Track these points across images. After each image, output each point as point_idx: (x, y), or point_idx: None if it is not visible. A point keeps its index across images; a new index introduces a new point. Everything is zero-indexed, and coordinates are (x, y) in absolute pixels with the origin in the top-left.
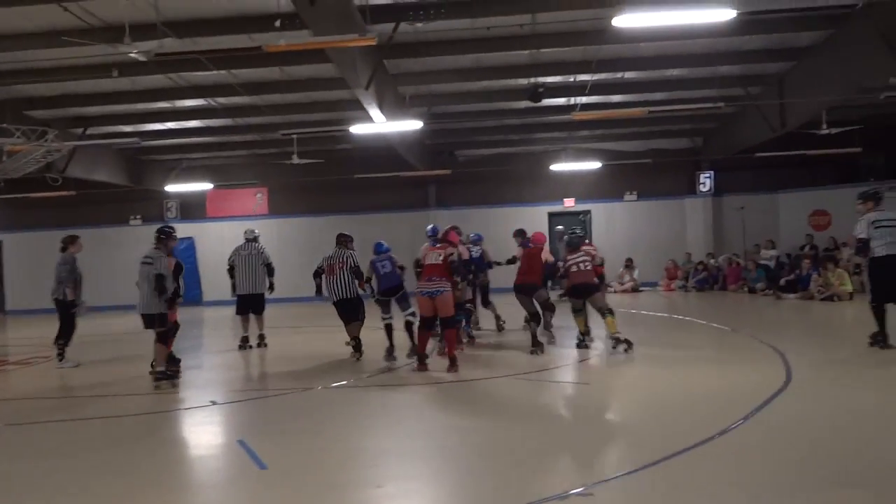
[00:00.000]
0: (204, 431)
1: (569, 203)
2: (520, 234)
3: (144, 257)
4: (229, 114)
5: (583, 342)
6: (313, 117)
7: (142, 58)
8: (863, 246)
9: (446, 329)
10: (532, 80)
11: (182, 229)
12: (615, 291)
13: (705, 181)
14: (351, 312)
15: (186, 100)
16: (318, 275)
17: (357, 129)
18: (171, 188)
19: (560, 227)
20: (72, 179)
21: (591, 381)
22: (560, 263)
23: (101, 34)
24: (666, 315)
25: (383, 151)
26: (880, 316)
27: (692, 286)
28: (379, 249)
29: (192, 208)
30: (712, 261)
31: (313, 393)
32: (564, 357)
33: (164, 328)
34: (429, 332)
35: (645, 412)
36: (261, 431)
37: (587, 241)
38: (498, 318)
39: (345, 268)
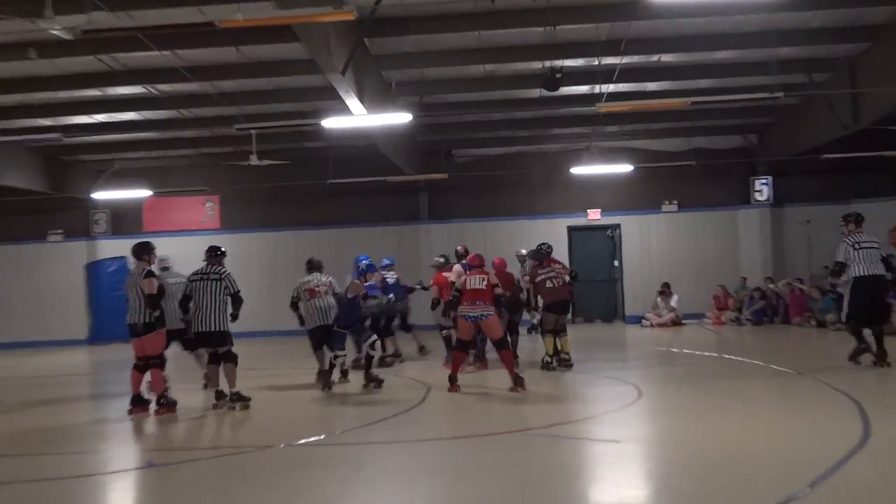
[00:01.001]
0: (138, 503)
1: (593, 215)
2: (445, 261)
3: (203, 274)
4: (173, 104)
5: (550, 364)
6: (277, 108)
7: (66, 35)
8: (839, 269)
9: (501, 351)
10: (548, 63)
11: (112, 247)
12: (652, 326)
13: (762, 188)
14: (336, 341)
15: (120, 87)
16: (295, 305)
17: (331, 122)
18: (99, 196)
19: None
20: None
21: (623, 437)
22: (525, 279)
23: (15, 6)
24: (715, 355)
25: (364, 151)
26: (858, 333)
27: (747, 318)
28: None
29: (126, 221)
30: (771, 286)
31: (274, 452)
32: (586, 407)
33: (231, 346)
34: (466, 353)
35: (689, 477)
36: (210, 502)
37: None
38: (422, 347)
39: (330, 292)
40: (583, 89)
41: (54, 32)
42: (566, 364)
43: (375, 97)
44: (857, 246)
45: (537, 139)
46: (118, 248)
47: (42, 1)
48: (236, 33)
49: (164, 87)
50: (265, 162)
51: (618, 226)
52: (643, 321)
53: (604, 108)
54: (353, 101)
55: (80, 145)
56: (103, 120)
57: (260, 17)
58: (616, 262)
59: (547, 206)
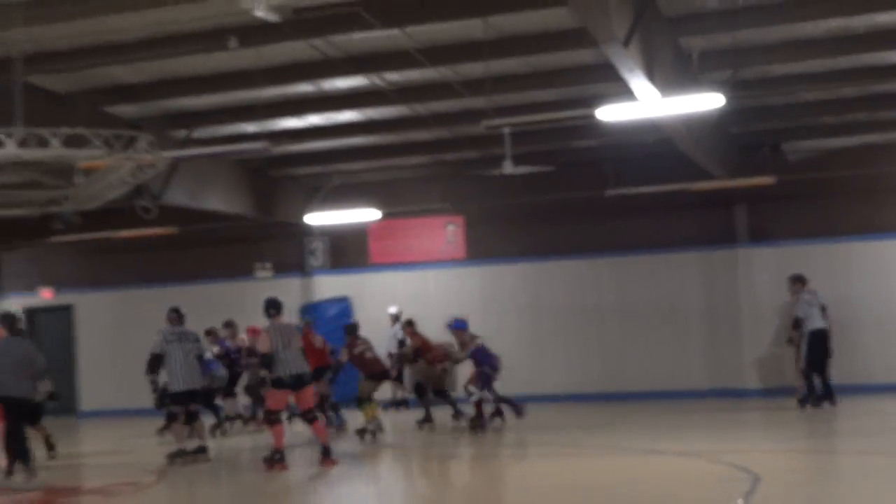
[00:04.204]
0: None
1: None
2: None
3: (183, 331)
4: (403, 97)
5: (372, 431)
6: (535, 97)
7: (272, 16)
8: (799, 324)
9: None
10: None
11: (332, 285)
12: None
13: None
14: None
15: (338, 78)
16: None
17: (609, 113)
18: (315, 219)
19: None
20: (172, 209)
21: None
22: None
23: None
24: None
25: (655, 150)
26: (811, 379)
27: None
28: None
29: (348, 251)
30: None
31: None
32: None
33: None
34: None
35: None
36: None
37: None
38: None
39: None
40: None
41: (259, 14)
42: (373, 433)
43: (670, 75)
44: (809, 303)
45: None
46: (339, 285)
47: None
48: (483, 0)
49: (393, 77)
50: (522, 169)
51: None
52: None
53: None
54: (639, 82)
55: (291, 156)
56: (317, 123)
57: None
58: None
59: None
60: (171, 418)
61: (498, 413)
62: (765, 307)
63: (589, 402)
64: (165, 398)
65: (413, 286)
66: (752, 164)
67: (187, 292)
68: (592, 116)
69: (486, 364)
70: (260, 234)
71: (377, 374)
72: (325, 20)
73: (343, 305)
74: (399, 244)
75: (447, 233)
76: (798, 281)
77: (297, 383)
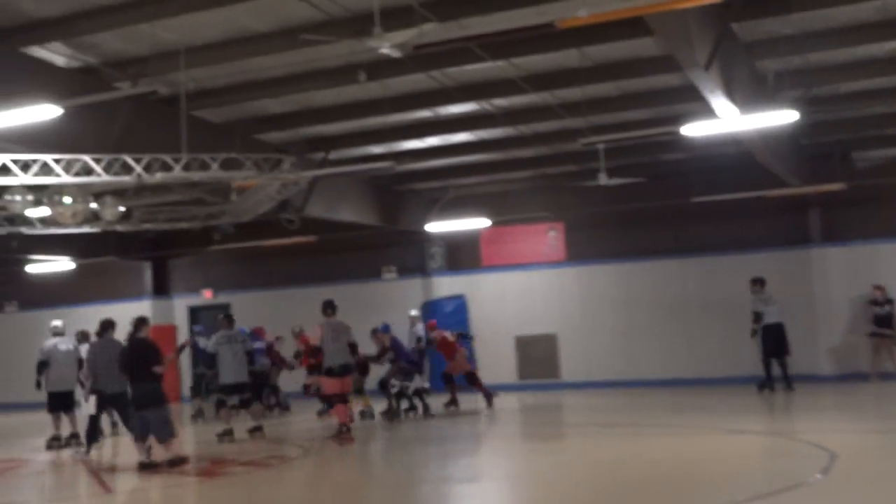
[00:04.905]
0: None
1: None
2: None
3: (233, 334)
4: (510, 120)
5: (371, 415)
6: (627, 117)
7: (396, 52)
8: (758, 318)
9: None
10: None
11: (449, 284)
12: None
13: None
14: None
15: (453, 104)
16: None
17: (693, 129)
18: (434, 227)
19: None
20: (311, 220)
21: None
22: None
23: (344, 27)
24: None
25: (735, 161)
26: (768, 367)
27: None
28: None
29: (463, 254)
30: None
31: None
32: None
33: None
34: None
35: None
36: None
37: None
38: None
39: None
40: None
41: (384, 51)
42: (371, 415)
43: (748, 94)
44: (765, 302)
45: None
46: (456, 285)
47: (370, 19)
48: (579, 33)
49: (500, 102)
50: (615, 181)
51: None
52: None
53: None
54: (719, 101)
55: (412, 173)
56: (435, 143)
57: (607, 12)
58: None
59: None
60: (220, 405)
61: (412, 408)
62: (837, 301)
63: (676, 387)
64: (200, 388)
65: (520, 285)
66: (823, 172)
67: (324, 292)
68: (678, 133)
69: (402, 360)
70: (386, 241)
71: (359, 367)
72: (441, 55)
73: (459, 302)
74: (507, 248)
75: (549, 238)
76: (757, 283)
77: (343, 371)
